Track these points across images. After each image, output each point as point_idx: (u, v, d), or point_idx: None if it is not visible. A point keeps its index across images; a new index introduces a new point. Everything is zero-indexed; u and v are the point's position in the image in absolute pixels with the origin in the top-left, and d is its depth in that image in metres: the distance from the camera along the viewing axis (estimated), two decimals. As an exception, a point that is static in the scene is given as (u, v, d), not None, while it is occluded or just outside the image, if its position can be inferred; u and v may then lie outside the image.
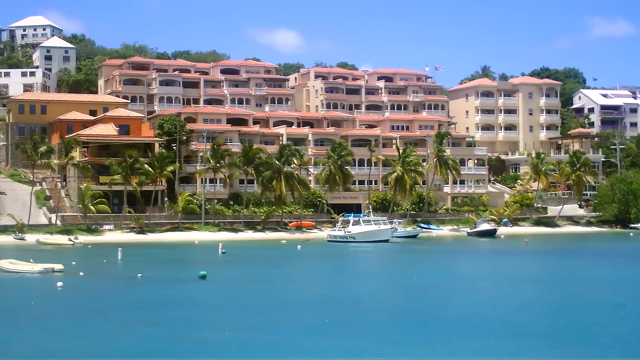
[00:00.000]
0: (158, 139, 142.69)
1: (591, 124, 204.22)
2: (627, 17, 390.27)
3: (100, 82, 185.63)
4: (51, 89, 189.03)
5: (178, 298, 55.32)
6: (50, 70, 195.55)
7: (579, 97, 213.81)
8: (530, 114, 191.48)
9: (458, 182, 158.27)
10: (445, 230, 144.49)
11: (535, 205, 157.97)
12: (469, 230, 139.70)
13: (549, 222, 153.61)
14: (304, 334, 41.92)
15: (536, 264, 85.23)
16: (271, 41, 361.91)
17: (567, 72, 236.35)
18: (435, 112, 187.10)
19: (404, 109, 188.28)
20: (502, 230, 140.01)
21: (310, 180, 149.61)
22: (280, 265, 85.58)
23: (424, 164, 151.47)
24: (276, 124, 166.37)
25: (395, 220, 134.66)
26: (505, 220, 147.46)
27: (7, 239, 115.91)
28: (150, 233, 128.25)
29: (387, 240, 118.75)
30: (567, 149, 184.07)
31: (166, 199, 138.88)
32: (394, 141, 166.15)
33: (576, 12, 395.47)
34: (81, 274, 68.15)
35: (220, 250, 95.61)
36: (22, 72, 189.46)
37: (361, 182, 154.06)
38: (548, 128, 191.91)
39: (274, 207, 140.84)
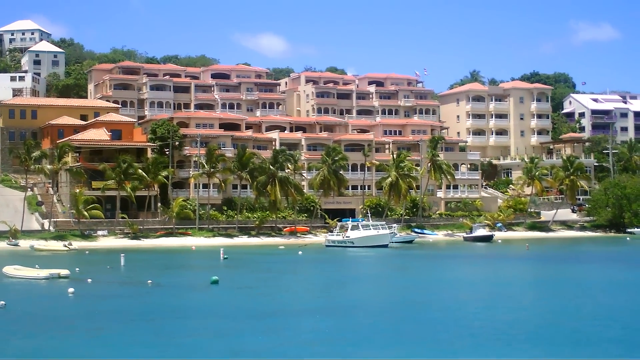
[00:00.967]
0: (151, 144, 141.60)
1: (582, 129, 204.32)
2: (611, 21, 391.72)
3: (90, 87, 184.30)
4: (40, 93, 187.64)
5: (200, 305, 54.02)
6: (39, 74, 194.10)
7: (570, 102, 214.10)
8: (522, 118, 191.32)
9: (451, 187, 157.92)
10: (439, 236, 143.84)
11: (529, 210, 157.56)
12: (465, 235, 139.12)
13: (543, 226, 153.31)
14: (354, 342, 41.18)
15: (550, 270, 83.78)
16: (257, 46, 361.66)
17: (556, 76, 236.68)
18: (426, 117, 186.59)
19: (395, 114, 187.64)
20: (497, 235, 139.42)
21: (304, 185, 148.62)
22: (290, 270, 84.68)
23: (418, 168, 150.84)
24: (269, 128, 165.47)
25: (393, 225, 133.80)
26: (499, 225, 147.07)
27: (0, 245, 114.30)
28: (145, 239, 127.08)
29: (386, 246, 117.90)
30: (559, 153, 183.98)
31: (159, 204, 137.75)
32: (386, 146, 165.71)
33: (561, 16, 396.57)
34: (89, 280, 66.73)
35: (222, 255, 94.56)
36: (10, 77, 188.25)
37: (354, 187, 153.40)
38: (539, 133, 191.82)
39: (267, 212, 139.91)
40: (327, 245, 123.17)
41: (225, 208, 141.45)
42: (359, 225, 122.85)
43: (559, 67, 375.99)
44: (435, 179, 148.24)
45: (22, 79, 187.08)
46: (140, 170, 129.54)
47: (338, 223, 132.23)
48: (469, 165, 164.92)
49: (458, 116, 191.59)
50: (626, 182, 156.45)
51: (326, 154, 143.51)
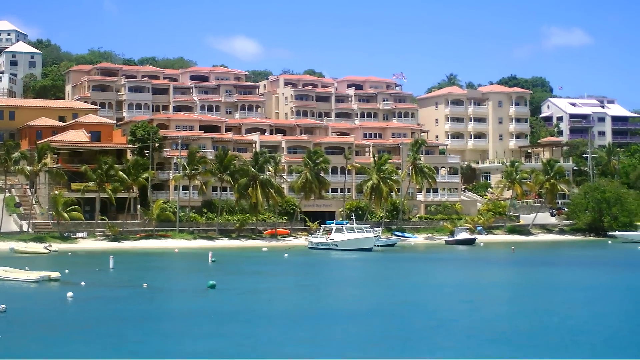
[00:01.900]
0: (131, 146, 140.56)
1: (560, 133, 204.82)
2: (583, 26, 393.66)
3: (68, 88, 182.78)
4: (17, 94, 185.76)
5: (206, 309, 53.15)
6: (15, 75, 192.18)
7: (548, 106, 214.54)
8: (500, 122, 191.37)
9: (431, 190, 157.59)
10: (420, 239, 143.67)
11: (508, 213, 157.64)
12: (447, 239, 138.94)
13: (523, 230, 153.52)
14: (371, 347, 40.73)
15: (541, 273, 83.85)
16: (230, 49, 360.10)
17: (534, 80, 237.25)
18: (405, 120, 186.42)
19: (374, 117, 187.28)
20: (479, 239, 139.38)
21: (284, 188, 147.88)
22: (284, 272, 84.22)
23: (399, 171, 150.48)
24: (248, 131, 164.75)
25: (377, 228, 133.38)
26: (479, 228, 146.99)
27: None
28: (125, 241, 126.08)
29: (370, 249, 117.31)
30: (538, 157, 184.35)
31: (139, 206, 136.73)
32: (366, 149, 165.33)
33: (534, 21, 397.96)
34: (83, 283, 65.44)
35: (210, 258, 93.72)
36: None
37: (334, 190, 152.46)
38: (517, 136, 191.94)
39: (247, 215, 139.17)
40: (310, 248, 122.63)
41: (205, 210, 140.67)
42: (343, 228, 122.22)
43: (531, 71, 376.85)
44: (417, 182, 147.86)
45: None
46: (120, 172, 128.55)
47: (322, 226, 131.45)
48: (448, 169, 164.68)
49: (437, 119, 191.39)
50: (606, 186, 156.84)
51: (307, 156, 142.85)
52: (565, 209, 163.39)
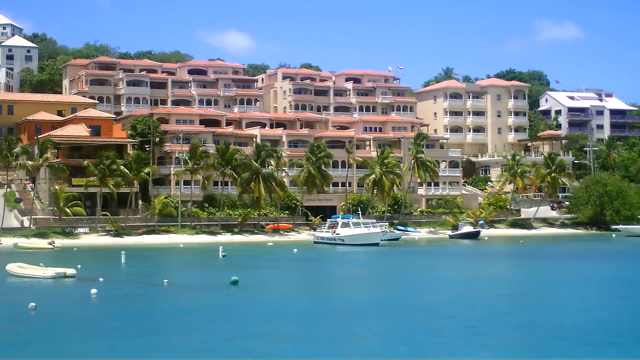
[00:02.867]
0: (131, 140, 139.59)
1: (558, 126, 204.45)
2: (575, 20, 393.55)
3: (65, 82, 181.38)
4: (14, 89, 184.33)
5: (239, 305, 52.20)
6: (12, 69, 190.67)
7: (546, 100, 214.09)
8: (499, 116, 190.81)
9: (432, 184, 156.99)
10: (422, 233, 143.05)
11: (509, 207, 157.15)
12: (451, 233, 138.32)
13: (525, 224, 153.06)
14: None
15: (560, 267, 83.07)
16: (221, 43, 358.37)
17: (531, 74, 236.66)
18: (404, 114, 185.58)
19: (372, 111, 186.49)
20: (483, 232, 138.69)
21: (285, 182, 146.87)
22: (301, 268, 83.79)
23: (401, 165, 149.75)
24: (248, 125, 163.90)
25: (384, 223, 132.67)
26: (481, 222, 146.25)
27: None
28: (127, 236, 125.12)
29: (377, 244, 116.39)
30: (537, 151, 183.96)
31: (140, 201, 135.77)
32: (367, 143, 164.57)
33: (525, 15, 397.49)
34: (101, 279, 64.25)
35: (220, 253, 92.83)
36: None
37: (335, 184, 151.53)
38: (516, 130, 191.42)
39: (249, 209, 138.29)
40: (315, 242, 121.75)
41: (207, 205, 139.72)
42: (350, 223, 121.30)
43: (524, 65, 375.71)
44: (419, 176, 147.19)
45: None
46: (122, 167, 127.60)
47: (327, 220, 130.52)
48: (449, 163, 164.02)
49: (435, 113, 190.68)
50: (607, 180, 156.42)
51: (309, 151, 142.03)
52: (566, 203, 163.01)
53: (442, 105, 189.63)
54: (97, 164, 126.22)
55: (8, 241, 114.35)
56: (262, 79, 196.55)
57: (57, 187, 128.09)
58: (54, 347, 38.42)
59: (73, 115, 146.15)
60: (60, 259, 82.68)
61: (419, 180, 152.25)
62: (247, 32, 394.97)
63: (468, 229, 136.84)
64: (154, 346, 39.04)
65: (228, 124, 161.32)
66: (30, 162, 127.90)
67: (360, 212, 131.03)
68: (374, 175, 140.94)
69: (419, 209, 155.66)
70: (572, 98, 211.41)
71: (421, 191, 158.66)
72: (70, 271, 66.76)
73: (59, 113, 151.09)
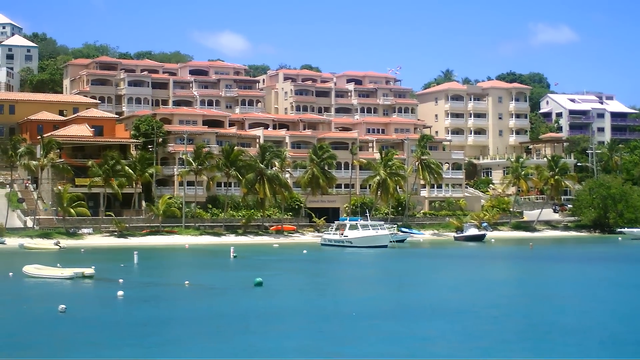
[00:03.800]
0: (135, 141, 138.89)
1: (559, 129, 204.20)
2: (569, 24, 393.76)
3: (66, 82, 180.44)
4: (14, 88, 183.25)
5: (280, 307, 51.54)
6: (12, 69, 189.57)
7: (547, 102, 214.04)
8: (500, 118, 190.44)
9: (435, 186, 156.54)
10: (426, 235, 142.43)
11: (512, 209, 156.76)
12: (456, 235, 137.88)
13: (528, 226, 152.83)
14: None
15: (588, 269, 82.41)
16: (216, 44, 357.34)
17: (531, 76, 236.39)
18: (405, 116, 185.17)
19: (373, 112, 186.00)
20: (489, 235, 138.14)
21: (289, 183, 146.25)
22: (318, 269, 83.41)
23: (405, 167, 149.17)
24: (251, 126, 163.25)
25: (393, 225, 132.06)
26: (485, 224, 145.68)
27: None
28: (131, 237, 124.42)
29: (385, 246, 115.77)
30: (538, 153, 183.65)
31: (143, 201, 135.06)
32: (369, 144, 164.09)
33: (520, 18, 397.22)
34: (120, 281, 63.15)
35: (232, 254, 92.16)
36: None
37: (338, 186, 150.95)
38: (517, 132, 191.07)
39: (252, 210, 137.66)
40: (323, 245, 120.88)
41: (210, 206, 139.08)
42: (358, 225, 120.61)
43: (519, 68, 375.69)
44: (424, 178, 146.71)
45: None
46: (127, 167, 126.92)
47: (335, 222, 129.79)
48: (451, 165, 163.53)
49: (436, 115, 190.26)
50: (611, 183, 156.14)
51: (313, 152, 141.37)
52: (569, 205, 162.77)
53: (444, 107, 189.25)
54: (102, 164, 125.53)
55: (12, 241, 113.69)
56: (263, 79, 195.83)
57: (60, 187, 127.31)
58: (98, 351, 37.70)
59: (75, 115, 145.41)
60: (70, 260, 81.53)
61: (422, 182, 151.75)
62: (242, 33, 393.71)
63: (473, 231, 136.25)
64: (223, 350, 38.41)
65: (231, 124, 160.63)
66: (34, 162, 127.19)
67: (368, 214, 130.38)
68: (378, 177, 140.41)
69: (421, 211, 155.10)
70: (573, 101, 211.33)
71: (424, 193, 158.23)
72: (89, 271, 65.92)
73: (61, 113, 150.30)
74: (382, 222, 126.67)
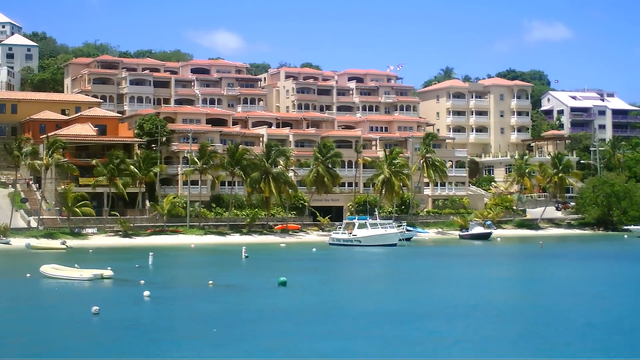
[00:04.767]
0: (139, 140, 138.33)
1: (561, 126, 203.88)
2: (564, 21, 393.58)
3: (67, 81, 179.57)
4: (15, 87, 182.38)
5: (315, 306, 51.28)
6: (12, 68, 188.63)
7: (548, 99, 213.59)
8: (502, 115, 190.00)
9: (439, 184, 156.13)
10: (431, 233, 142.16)
11: (515, 207, 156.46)
12: (462, 233, 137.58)
13: (532, 224, 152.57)
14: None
15: (613, 266, 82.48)
16: (211, 43, 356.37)
17: (532, 74, 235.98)
18: (407, 114, 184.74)
19: (375, 110, 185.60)
20: (495, 233, 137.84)
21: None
22: (335, 268, 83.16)
23: (410, 165, 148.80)
24: (254, 124, 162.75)
25: (402, 222, 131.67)
26: (489, 222, 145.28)
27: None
28: (136, 236, 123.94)
29: (395, 245, 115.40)
30: (540, 150, 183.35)
31: (147, 201, 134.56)
32: (373, 142, 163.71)
33: (515, 15, 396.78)
34: (142, 282, 62.52)
35: (243, 254, 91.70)
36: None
37: (341, 185, 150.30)
38: (519, 130, 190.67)
39: (256, 209, 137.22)
40: (331, 244, 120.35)
41: (214, 205, 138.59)
42: (367, 223, 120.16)
43: (516, 65, 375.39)
44: (429, 176, 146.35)
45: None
46: (132, 167, 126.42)
47: (344, 221, 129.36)
48: (454, 163, 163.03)
49: (438, 113, 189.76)
50: (614, 180, 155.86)
51: (318, 150, 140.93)
52: (571, 203, 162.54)
53: (445, 105, 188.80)
54: (107, 163, 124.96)
55: (17, 241, 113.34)
56: (265, 78, 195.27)
57: (63, 186, 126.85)
58: (147, 350, 37.46)
59: (78, 114, 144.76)
60: (80, 260, 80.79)
61: (427, 180, 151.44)
62: (237, 31, 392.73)
63: (479, 229, 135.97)
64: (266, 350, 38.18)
65: (234, 123, 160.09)
66: (39, 162, 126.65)
67: (376, 213, 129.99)
68: (383, 176, 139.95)
69: (425, 210, 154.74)
70: (574, 98, 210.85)
71: (427, 191, 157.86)
72: (108, 273, 65.29)
73: (63, 112, 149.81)
74: (391, 221, 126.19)
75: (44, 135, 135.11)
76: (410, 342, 39.71)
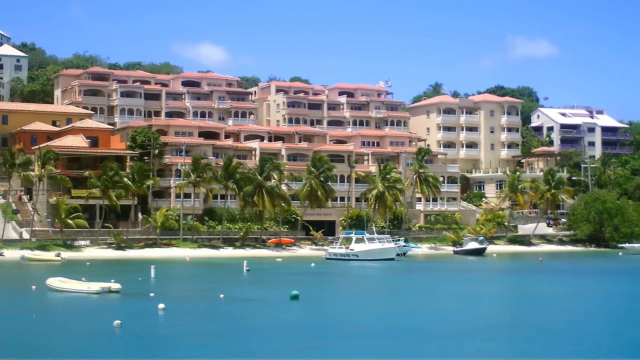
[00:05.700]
0: (133, 152, 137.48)
1: (550, 143, 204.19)
2: (548, 37, 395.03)
3: (57, 93, 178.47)
4: (4, 98, 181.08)
5: (334, 320, 50.75)
6: (1, 79, 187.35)
7: (538, 116, 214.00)
8: (492, 131, 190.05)
9: (431, 200, 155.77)
10: (423, 248, 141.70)
11: (507, 223, 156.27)
12: (456, 249, 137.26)
13: (524, 240, 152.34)
14: None
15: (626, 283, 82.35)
16: (196, 55, 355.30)
17: (521, 90, 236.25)
18: (397, 129, 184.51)
19: (366, 125, 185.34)
20: (490, 249, 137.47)
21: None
22: (343, 284, 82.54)
23: (402, 180, 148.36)
24: (247, 138, 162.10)
25: (399, 238, 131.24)
26: (481, 238, 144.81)
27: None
28: (129, 249, 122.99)
29: (392, 259, 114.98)
30: (531, 167, 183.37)
31: (140, 213, 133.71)
32: (365, 157, 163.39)
33: (499, 31, 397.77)
34: (152, 294, 61.91)
35: (245, 267, 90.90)
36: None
37: (334, 199, 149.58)
38: (509, 146, 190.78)
39: (248, 223, 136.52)
40: (327, 258, 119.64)
41: (207, 218, 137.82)
42: (364, 238, 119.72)
43: (503, 81, 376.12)
44: (422, 191, 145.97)
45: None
46: (125, 179, 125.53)
47: (340, 236, 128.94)
48: (446, 178, 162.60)
49: (428, 128, 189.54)
50: (606, 197, 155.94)
51: (312, 164, 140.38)
52: (562, 219, 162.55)
53: (436, 121, 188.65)
54: (100, 175, 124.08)
55: (10, 253, 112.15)
56: (255, 91, 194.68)
57: (56, 198, 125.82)
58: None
59: (70, 125, 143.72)
60: (79, 273, 79.51)
61: (419, 195, 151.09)
62: (222, 44, 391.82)
63: (473, 245, 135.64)
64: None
65: (226, 136, 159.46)
66: (32, 173, 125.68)
67: (374, 227, 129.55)
68: (376, 190, 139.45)
69: (417, 225, 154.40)
70: (564, 115, 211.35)
71: (419, 206, 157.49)
72: (115, 286, 64.26)
73: (53, 123, 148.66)
74: (388, 236, 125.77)
75: (37, 147, 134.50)
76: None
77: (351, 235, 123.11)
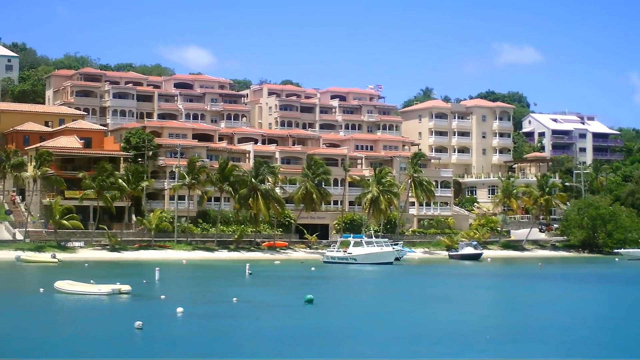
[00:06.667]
0: (125, 153, 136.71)
1: (542, 148, 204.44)
2: (534, 44, 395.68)
3: (49, 93, 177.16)
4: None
5: (355, 324, 49.98)
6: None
7: (529, 122, 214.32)
8: (484, 137, 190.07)
9: (424, 204, 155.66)
10: (417, 253, 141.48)
11: (500, 229, 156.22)
12: (451, 253, 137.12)
13: (517, 245, 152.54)
14: None
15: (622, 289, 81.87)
16: (182, 59, 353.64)
17: (511, 95, 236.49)
18: (389, 133, 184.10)
19: (358, 129, 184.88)
20: (485, 254, 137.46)
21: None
22: (351, 287, 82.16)
23: (397, 184, 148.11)
24: (240, 140, 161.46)
25: (399, 242, 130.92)
26: (474, 243, 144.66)
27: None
28: (123, 251, 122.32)
29: (390, 263, 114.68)
30: (523, 172, 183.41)
31: (134, 215, 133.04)
32: (358, 161, 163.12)
33: (484, 38, 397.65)
34: (163, 297, 61.22)
35: (247, 271, 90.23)
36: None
37: (327, 203, 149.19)
38: (500, 151, 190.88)
39: (242, 225, 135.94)
40: (325, 262, 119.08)
41: (201, 221, 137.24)
42: (362, 242, 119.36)
43: (492, 86, 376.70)
44: (416, 195, 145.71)
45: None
46: (120, 180, 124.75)
47: (339, 239, 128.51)
48: (439, 183, 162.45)
49: (420, 133, 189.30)
50: (600, 203, 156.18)
51: (307, 167, 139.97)
52: (555, 225, 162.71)
53: (428, 125, 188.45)
54: (95, 176, 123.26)
55: (5, 254, 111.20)
56: (247, 94, 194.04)
57: (49, 199, 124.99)
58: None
59: (63, 126, 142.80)
60: (78, 274, 78.87)
61: (413, 199, 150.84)
62: (208, 47, 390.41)
63: (469, 249, 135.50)
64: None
65: (220, 139, 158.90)
66: (26, 174, 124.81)
67: (372, 232, 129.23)
68: (371, 194, 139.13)
69: (410, 229, 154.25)
70: (555, 120, 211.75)
71: (412, 211, 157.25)
72: (125, 287, 63.43)
73: (46, 124, 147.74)
74: (386, 240, 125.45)
75: (31, 147, 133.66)
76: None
77: (349, 238, 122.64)
